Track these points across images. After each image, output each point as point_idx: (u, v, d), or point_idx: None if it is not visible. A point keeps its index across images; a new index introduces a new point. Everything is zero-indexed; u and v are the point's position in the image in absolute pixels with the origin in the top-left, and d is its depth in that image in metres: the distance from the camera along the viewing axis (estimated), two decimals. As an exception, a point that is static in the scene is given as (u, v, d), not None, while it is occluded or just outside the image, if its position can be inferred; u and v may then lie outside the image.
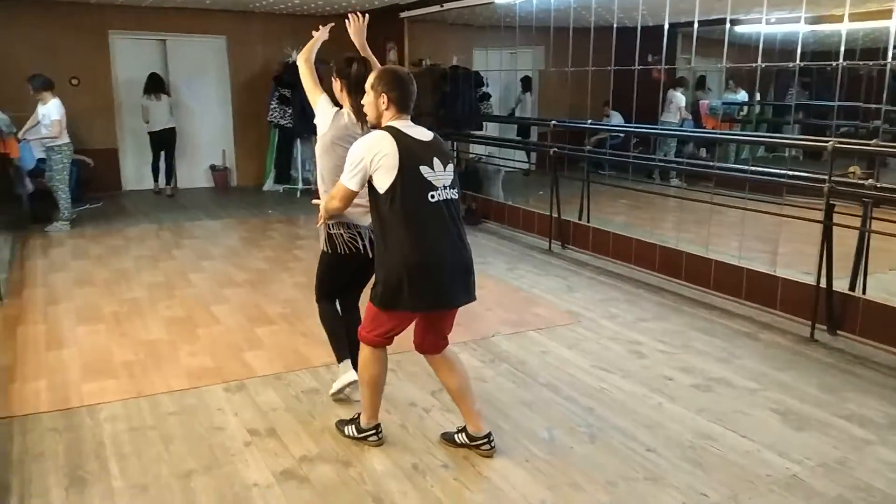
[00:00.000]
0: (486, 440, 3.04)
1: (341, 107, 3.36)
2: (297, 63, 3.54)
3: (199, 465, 2.98)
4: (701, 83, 11.24)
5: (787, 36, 7.11)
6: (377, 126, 2.90)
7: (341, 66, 3.34)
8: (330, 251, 3.37)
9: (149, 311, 4.97)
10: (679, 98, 10.21)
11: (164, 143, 9.62)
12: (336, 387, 3.53)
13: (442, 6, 8.36)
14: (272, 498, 2.75)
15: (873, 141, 4.45)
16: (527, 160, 9.68)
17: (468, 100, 9.50)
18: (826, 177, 4.36)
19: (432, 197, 2.76)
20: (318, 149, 3.38)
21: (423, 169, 2.76)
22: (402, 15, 9.29)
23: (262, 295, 5.37)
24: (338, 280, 3.48)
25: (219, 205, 9.38)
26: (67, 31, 9.33)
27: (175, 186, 10.15)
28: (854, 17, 6.39)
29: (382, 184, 2.74)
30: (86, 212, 8.44)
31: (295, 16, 10.44)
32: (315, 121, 3.38)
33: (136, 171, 10.21)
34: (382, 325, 2.91)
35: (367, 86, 2.90)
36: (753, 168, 5.40)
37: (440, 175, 2.80)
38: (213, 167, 10.69)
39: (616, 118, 9.93)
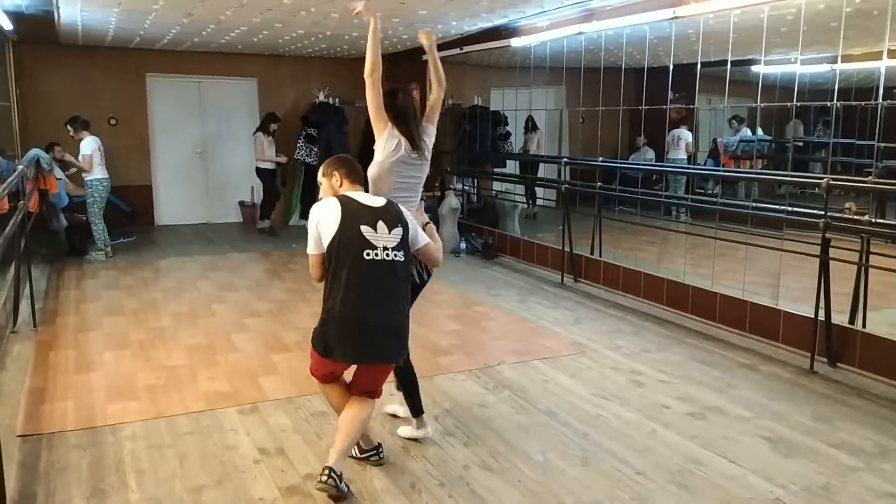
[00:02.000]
0: (374, 451, 3.31)
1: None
2: (366, 80, 3.53)
3: (210, 480, 3.18)
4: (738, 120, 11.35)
5: (815, 76, 7.27)
6: None
7: (386, 101, 3.50)
8: None
9: (172, 338, 5.23)
10: (686, 135, 10.41)
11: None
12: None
13: (462, 49, 8.68)
14: (276, 511, 2.94)
15: (868, 178, 4.57)
16: (526, 200, 9.78)
17: (488, 138, 9.78)
18: (822, 212, 4.48)
19: (367, 255, 2.97)
20: (373, 173, 3.46)
21: (364, 229, 3.00)
22: (425, 57, 9.62)
23: (280, 324, 5.60)
24: None
25: (245, 239, 9.72)
26: (107, 73, 9.86)
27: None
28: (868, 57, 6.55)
29: (326, 241, 3.01)
30: (119, 245, 8.82)
31: (323, 58, 10.89)
32: (374, 146, 3.50)
33: (168, 207, 10.64)
34: (321, 368, 3.19)
35: (320, 175, 3.25)
36: (754, 204, 5.54)
37: (382, 237, 3.01)
38: (241, 203, 11.07)
39: (650, 153, 10.20)
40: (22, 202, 5.56)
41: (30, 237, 6.10)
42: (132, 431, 3.67)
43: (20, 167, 6.02)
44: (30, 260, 6.12)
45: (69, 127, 7.96)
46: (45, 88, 9.50)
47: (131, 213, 9.51)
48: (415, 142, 3.44)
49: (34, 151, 7.47)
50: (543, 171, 9.87)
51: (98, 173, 7.95)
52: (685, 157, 10.23)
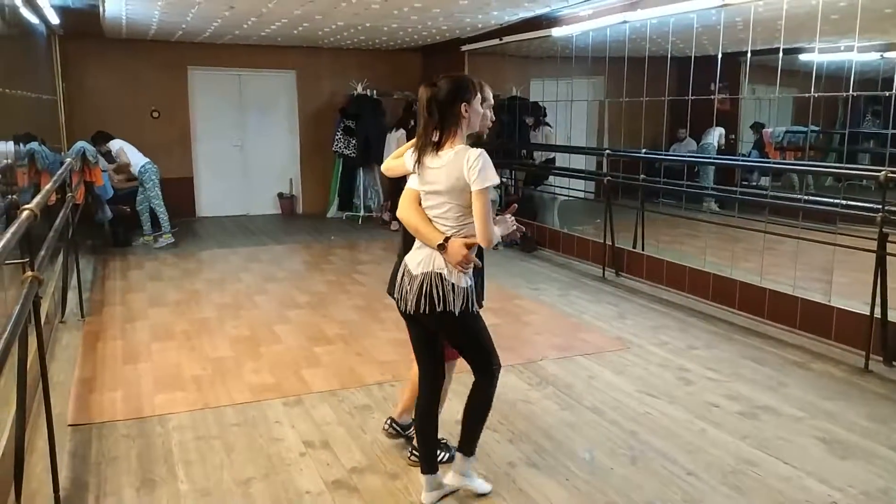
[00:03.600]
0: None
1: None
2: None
3: (257, 472, 3.19)
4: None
5: (864, 65, 7.05)
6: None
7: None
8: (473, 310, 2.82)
9: (217, 329, 5.28)
10: (718, 128, 10.21)
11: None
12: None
13: (501, 39, 8.60)
14: (323, 505, 2.94)
15: (931, 170, 4.40)
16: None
17: (525, 129, 9.66)
18: (880, 206, 4.34)
19: None
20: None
21: None
22: (464, 48, 9.57)
23: (321, 316, 5.62)
24: None
25: (285, 231, 9.78)
26: (150, 66, 9.98)
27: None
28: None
29: None
30: (160, 236, 8.93)
31: (361, 50, 10.89)
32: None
33: (209, 199, 10.76)
34: None
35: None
36: (807, 197, 5.39)
37: None
38: (280, 195, 11.15)
39: (692, 144, 10.02)
40: (70, 194, 5.65)
41: (76, 229, 6.21)
42: (179, 422, 3.71)
43: (68, 160, 6.13)
44: (77, 251, 6.23)
45: (97, 147, 8.13)
46: (89, 82, 9.65)
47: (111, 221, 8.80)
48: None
49: (80, 144, 7.61)
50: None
51: (142, 160, 8.26)
52: (715, 144, 10.05)
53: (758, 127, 10.29)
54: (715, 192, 6.71)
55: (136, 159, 8.26)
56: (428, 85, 2.75)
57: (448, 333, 2.87)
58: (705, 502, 2.95)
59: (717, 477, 3.14)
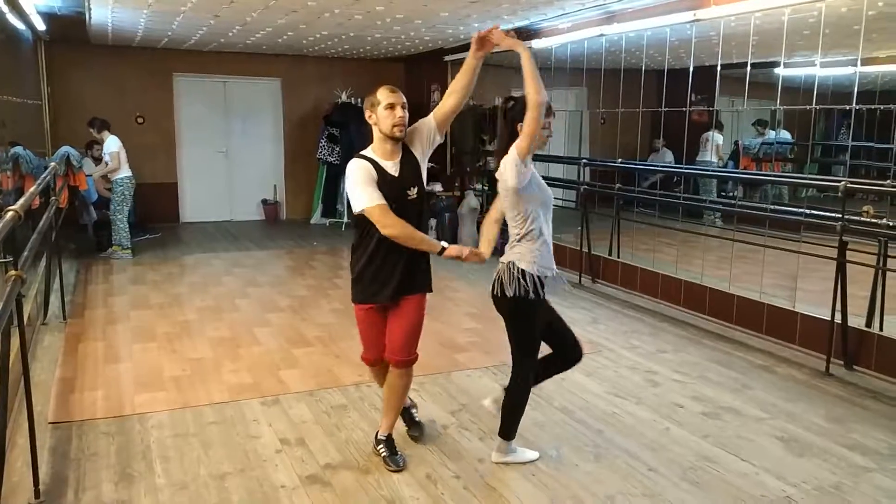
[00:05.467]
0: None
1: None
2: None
3: (233, 468, 3.28)
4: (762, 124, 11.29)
5: (838, 79, 7.26)
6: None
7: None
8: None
9: (197, 332, 5.36)
10: (717, 137, 10.37)
11: None
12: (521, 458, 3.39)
13: (483, 50, 8.75)
14: (297, 498, 3.03)
15: (888, 181, 4.58)
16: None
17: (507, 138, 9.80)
18: (840, 215, 4.50)
19: None
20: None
21: None
22: (447, 58, 9.72)
23: (301, 319, 5.72)
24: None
25: (268, 236, 9.87)
26: (135, 73, 10.07)
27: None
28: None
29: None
30: (145, 241, 9.00)
31: (345, 59, 11.02)
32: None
33: (193, 204, 10.83)
34: None
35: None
36: (773, 206, 5.56)
37: None
38: (264, 201, 11.24)
39: (668, 155, 10.19)
40: (53, 198, 5.72)
41: (59, 233, 6.27)
42: (159, 420, 3.79)
43: (52, 164, 6.19)
44: (60, 255, 6.29)
45: (91, 129, 8.13)
46: (74, 87, 9.72)
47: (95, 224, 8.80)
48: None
49: (64, 149, 7.66)
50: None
51: (124, 171, 8.08)
52: (714, 160, 10.21)
53: (762, 125, 10.43)
54: (686, 203, 6.87)
55: (122, 168, 8.15)
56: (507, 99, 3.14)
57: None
58: (664, 496, 3.07)
59: (678, 473, 3.27)
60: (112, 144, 8.01)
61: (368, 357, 3.42)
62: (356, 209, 3.08)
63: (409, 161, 3.17)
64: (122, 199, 8.06)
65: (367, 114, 3.15)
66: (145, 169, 9.94)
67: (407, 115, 3.11)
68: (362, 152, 3.16)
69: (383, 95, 3.08)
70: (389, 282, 3.15)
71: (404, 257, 3.12)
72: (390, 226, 2.99)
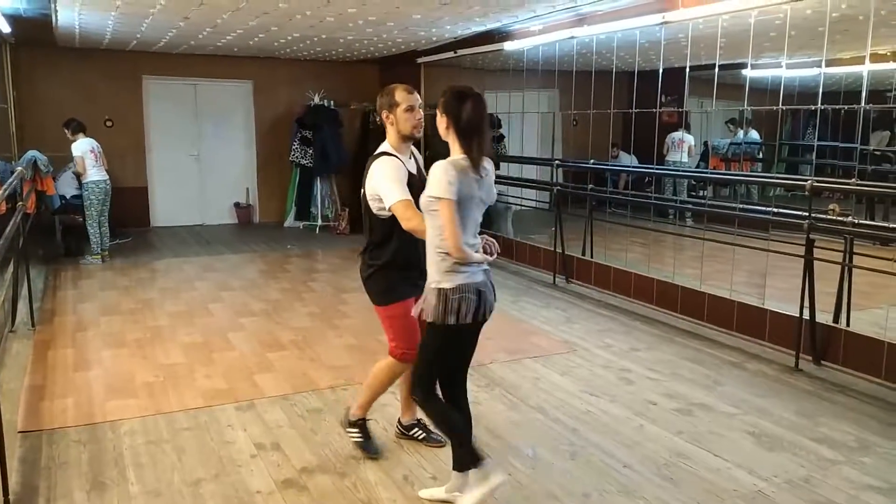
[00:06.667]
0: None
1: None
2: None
3: (207, 473, 3.25)
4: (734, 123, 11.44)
5: (804, 80, 7.41)
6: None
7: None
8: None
9: (170, 337, 5.30)
10: (689, 138, 10.51)
11: None
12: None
13: (455, 52, 8.78)
14: (273, 503, 3.01)
15: (852, 180, 4.68)
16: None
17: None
18: (806, 213, 4.59)
19: None
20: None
21: None
22: (420, 60, 9.73)
23: (275, 323, 5.68)
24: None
25: (241, 240, 9.79)
26: (104, 75, 9.92)
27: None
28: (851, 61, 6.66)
29: None
30: (115, 246, 8.87)
31: (318, 61, 10.98)
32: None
33: (164, 209, 10.70)
34: None
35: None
36: (742, 206, 5.65)
37: None
38: (237, 204, 11.15)
39: (626, 159, 10.26)
40: (20, 203, 5.63)
41: (27, 238, 6.16)
42: (131, 427, 3.74)
43: (18, 169, 6.09)
44: (28, 260, 6.18)
45: (66, 129, 7.97)
46: (42, 91, 9.56)
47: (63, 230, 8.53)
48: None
49: (31, 153, 7.55)
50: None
51: (93, 175, 7.86)
52: (686, 160, 10.32)
53: (734, 123, 10.54)
54: (656, 202, 6.97)
55: (90, 172, 7.98)
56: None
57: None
58: (639, 492, 3.11)
59: (652, 469, 3.31)
60: (76, 148, 7.80)
61: (413, 353, 3.13)
62: (389, 204, 3.02)
63: (417, 160, 3.32)
64: (89, 204, 7.91)
65: (383, 114, 3.19)
66: (115, 172, 9.77)
67: (422, 113, 3.22)
68: (386, 150, 3.19)
69: (402, 97, 3.15)
70: (416, 275, 3.12)
71: (422, 251, 3.08)
72: (412, 219, 2.99)
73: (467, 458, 2.83)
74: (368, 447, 3.41)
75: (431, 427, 3.48)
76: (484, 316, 2.84)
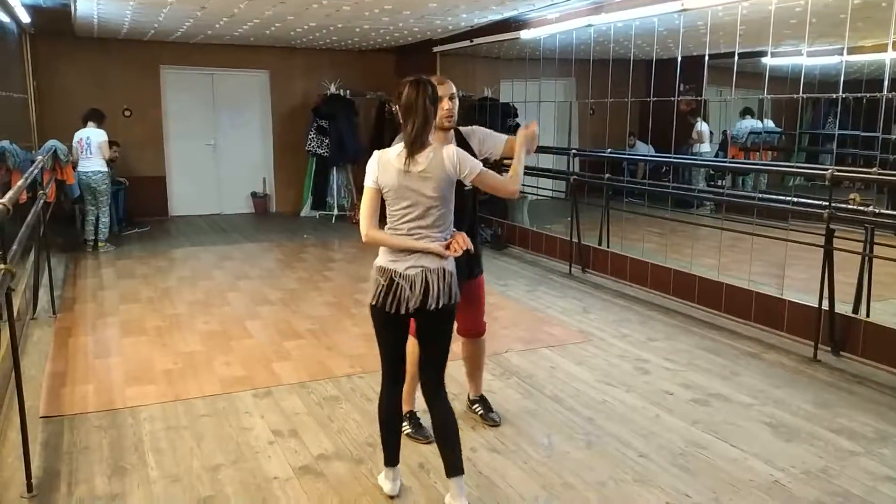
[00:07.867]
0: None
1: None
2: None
3: (226, 459, 3.29)
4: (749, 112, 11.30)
5: (825, 68, 7.30)
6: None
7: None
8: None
9: (188, 325, 5.36)
10: (705, 127, 10.42)
11: None
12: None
13: (472, 41, 8.75)
14: (290, 489, 3.04)
15: (874, 169, 4.62)
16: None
17: (499, 129, 9.81)
18: (826, 203, 4.54)
19: None
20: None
21: None
22: (435, 49, 9.71)
23: (292, 312, 5.72)
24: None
25: (258, 229, 9.85)
26: (122, 65, 9.99)
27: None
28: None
29: None
30: (134, 235, 8.97)
31: (334, 50, 10.98)
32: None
33: (181, 198, 10.78)
34: None
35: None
36: (761, 195, 5.60)
37: None
38: (253, 194, 11.20)
39: (643, 148, 10.20)
40: (41, 192, 5.69)
41: (48, 227, 6.23)
42: (150, 413, 3.79)
43: (39, 158, 6.15)
44: (48, 249, 6.26)
45: (92, 122, 8.05)
46: (61, 80, 9.64)
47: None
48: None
49: (51, 143, 7.62)
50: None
51: (79, 167, 7.95)
52: (708, 149, 10.26)
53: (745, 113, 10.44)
54: (675, 192, 6.91)
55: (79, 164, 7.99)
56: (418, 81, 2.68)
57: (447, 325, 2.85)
58: (655, 481, 3.10)
59: (668, 458, 3.30)
60: (75, 136, 7.98)
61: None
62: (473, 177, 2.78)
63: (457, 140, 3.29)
64: (104, 195, 8.09)
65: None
66: (133, 162, 9.90)
67: (456, 103, 3.23)
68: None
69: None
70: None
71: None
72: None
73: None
74: (492, 416, 3.70)
75: (492, 406, 3.76)
76: (398, 309, 2.69)
